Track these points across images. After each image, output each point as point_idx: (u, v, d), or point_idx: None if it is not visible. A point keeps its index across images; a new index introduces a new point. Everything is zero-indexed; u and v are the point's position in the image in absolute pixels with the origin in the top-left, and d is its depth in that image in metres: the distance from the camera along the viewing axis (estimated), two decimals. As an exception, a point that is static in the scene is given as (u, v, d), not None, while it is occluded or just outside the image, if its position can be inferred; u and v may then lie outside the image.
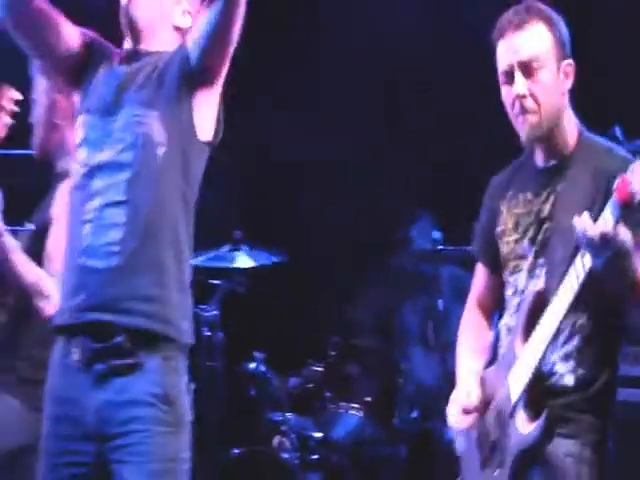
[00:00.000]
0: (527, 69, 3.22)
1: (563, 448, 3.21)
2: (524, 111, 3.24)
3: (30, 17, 3.33)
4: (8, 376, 4.19)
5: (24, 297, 4.09)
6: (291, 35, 7.41)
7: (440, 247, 5.87)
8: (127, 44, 3.46)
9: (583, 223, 2.94)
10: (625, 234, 2.88)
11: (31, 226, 4.33)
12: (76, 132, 3.42)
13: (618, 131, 4.96)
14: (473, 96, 6.39)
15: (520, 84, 3.21)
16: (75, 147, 3.43)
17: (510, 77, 3.24)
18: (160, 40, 3.42)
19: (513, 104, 3.27)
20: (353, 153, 7.04)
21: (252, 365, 5.83)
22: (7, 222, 4.13)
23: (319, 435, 5.79)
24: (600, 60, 6.20)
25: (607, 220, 2.90)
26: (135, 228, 3.23)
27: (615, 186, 2.87)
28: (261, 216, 6.65)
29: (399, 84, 7.32)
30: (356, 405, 5.81)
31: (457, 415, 3.44)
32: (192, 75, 3.30)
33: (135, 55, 3.41)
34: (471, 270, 5.75)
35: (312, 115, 7.08)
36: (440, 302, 5.90)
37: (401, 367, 5.98)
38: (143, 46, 3.43)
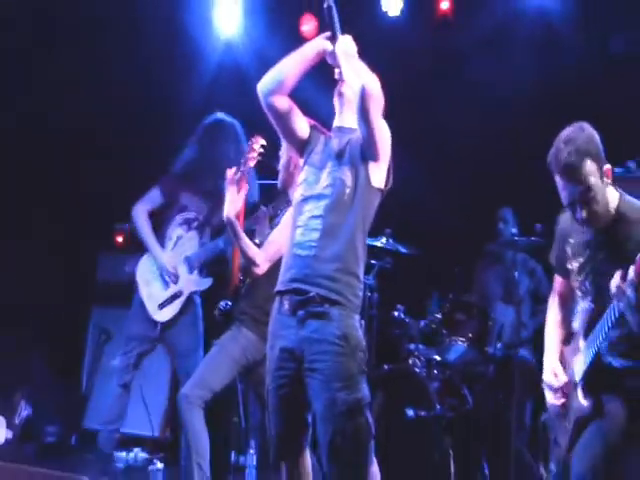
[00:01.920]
0: (585, 199, 3.67)
1: (612, 403, 3.78)
2: (587, 222, 3.75)
3: (280, 109, 4.08)
4: (246, 317, 5.28)
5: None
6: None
7: (517, 238, 6.39)
8: (336, 121, 4.23)
9: (615, 280, 3.46)
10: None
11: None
12: (300, 176, 4.17)
13: (632, 164, 5.65)
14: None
15: (583, 213, 3.69)
16: (297, 184, 4.18)
17: (572, 205, 3.72)
18: (352, 119, 4.12)
19: (576, 219, 3.77)
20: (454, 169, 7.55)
21: (396, 314, 6.75)
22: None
23: (438, 358, 6.53)
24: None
25: (629, 279, 3.38)
26: (326, 233, 3.90)
27: (636, 261, 3.38)
28: (401, 218, 6.81)
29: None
30: (462, 339, 6.62)
31: (552, 396, 3.97)
32: (365, 154, 4.02)
33: (339, 130, 4.17)
34: (533, 255, 6.61)
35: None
36: (516, 274, 6.46)
37: (490, 315, 6.77)
38: (343, 123, 4.19)
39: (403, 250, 6.69)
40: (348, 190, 3.98)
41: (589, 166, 3.65)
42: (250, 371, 5.38)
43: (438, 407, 6.19)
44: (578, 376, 3.83)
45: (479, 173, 7.44)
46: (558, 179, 3.74)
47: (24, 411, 6.84)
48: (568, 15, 7.27)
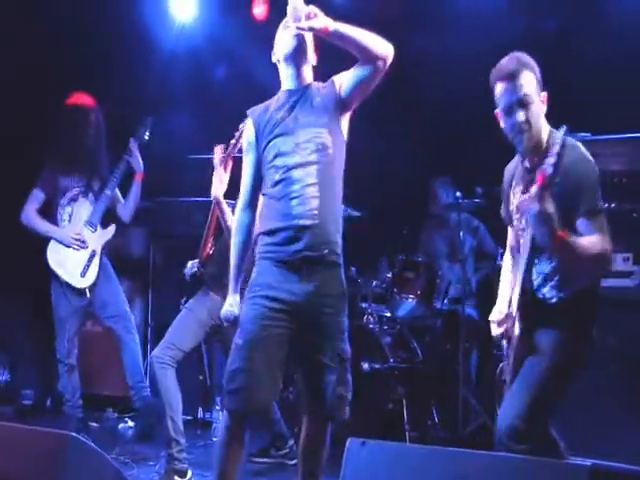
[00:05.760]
0: (523, 104, 3.60)
1: (544, 342, 3.63)
2: (522, 132, 3.63)
3: None
4: (215, 281, 5.22)
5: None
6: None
7: (460, 201, 6.32)
8: (289, 84, 3.98)
9: (525, 200, 3.52)
10: (545, 204, 3.29)
11: None
12: (267, 149, 3.89)
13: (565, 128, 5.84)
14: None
15: (520, 115, 3.60)
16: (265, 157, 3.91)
17: (510, 110, 3.63)
18: (309, 76, 3.99)
19: (512, 128, 3.65)
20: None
21: (349, 274, 6.53)
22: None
23: (389, 314, 6.68)
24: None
25: (533, 198, 3.32)
26: (323, 199, 3.79)
27: (537, 175, 3.34)
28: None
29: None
30: (412, 296, 6.57)
31: (496, 327, 3.92)
32: (342, 106, 3.89)
33: (296, 92, 3.95)
34: (476, 215, 6.62)
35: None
36: (461, 234, 6.44)
37: (438, 273, 6.70)
38: (298, 84, 3.96)
39: (356, 214, 6.63)
40: (330, 151, 3.86)
41: (531, 77, 3.64)
42: (217, 331, 5.39)
43: (391, 360, 6.24)
44: (515, 303, 3.74)
45: (426, 138, 7.34)
46: (498, 87, 3.69)
47: (2, 376, 6.78)
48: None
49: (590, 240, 3.47)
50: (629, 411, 5.10)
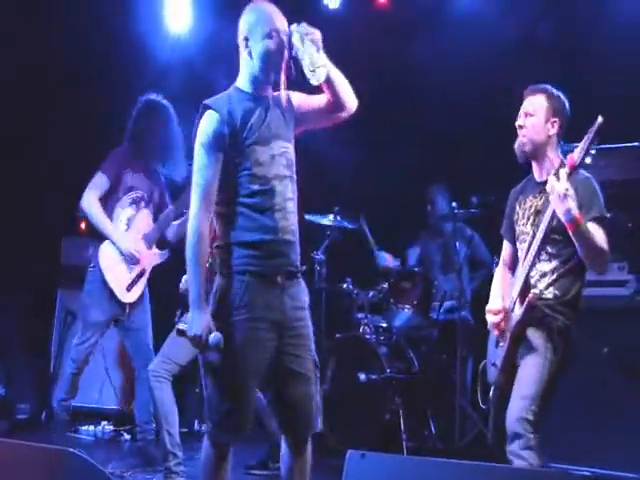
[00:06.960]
0: (526, 115, 4.09)
1: (538, 334, 3.94)
2: (520, 134, 4.10)
3: None
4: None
5: None
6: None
7: (456, 211, 6.37)
8: (254, 89, 3.71)
9: (551, 180, 3.79)
10: (566, 185, 3.70)
11: None
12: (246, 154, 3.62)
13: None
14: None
15: (520, 120, 4.10)
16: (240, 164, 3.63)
17: (519, 117, 4.12)
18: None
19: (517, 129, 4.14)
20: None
21: (345, 286, 6.78)
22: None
23: (385, 324, 6.68)
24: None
25: (561, 178, 3.73)
26: (297, 215, 3.73)
27: (566, 161, 3.80)
28: (350, 197, 7.04)
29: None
30: (408, 305, 6.62)
31: (490, 316, 4.12)
32: (298, 125, 3.80)
33: (263, 99, 3.71)
34: (470, 225, 6.69)
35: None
36: (457, 244, 6.48)
37: (434, 283, 6.76)
38: (267, 91, 3.73)
39: (350, 226, 6.66)
40: (294, 169, 3.75)
41: (542, 100, 4.09)
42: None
43: (388, 370, 6.23)
44: (515, 294, 4.01)
45: (422, 149, 7.31)
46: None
47: (-3, 391, 6.77)
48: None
49: (600, 237, 3.86)
50: (625, 419, 5.10)
